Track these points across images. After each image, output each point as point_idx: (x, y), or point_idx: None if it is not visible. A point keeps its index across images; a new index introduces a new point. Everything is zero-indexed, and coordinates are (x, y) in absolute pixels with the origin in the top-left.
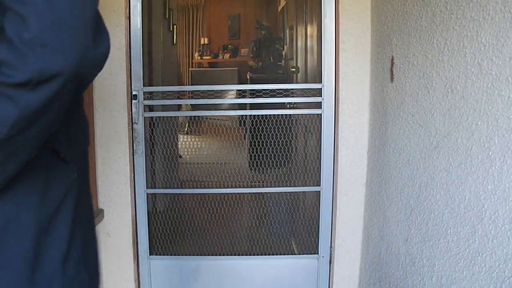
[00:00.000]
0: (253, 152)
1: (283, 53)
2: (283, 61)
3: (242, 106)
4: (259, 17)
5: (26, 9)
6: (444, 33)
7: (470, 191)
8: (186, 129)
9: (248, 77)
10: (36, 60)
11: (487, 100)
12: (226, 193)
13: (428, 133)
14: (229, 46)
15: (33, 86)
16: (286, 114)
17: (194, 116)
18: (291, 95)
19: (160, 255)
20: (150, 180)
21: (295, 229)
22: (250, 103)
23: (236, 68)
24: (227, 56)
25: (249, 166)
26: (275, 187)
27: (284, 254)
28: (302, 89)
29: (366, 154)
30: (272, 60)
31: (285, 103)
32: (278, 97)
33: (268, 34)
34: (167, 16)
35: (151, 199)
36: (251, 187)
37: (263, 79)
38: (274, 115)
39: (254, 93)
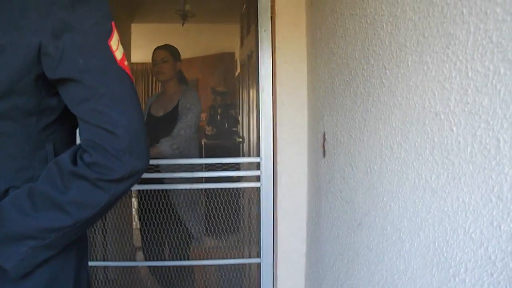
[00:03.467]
0: (208, 219)
1: (240, 118)
2: (239, 126)
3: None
4: (217, 82)
5: (117, 129)
6: (364, 114)
7: (386, 270)
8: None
9: (203, 143)
10: (128, 164)
11: (398, 182)
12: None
13: (353, 210)
14: None
15: (122, 180)
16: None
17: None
18: (237, 167)
19: None
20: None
21: None
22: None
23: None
24: None
25: (206, 232)
26: (215, 259)
27: None
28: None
29: (306, 225)
30: (227, 126)
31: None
32: (218, 170)
33: (224, 100)
34: None
35: (103, 270)
36: (203, 258)
37: (216, 146)
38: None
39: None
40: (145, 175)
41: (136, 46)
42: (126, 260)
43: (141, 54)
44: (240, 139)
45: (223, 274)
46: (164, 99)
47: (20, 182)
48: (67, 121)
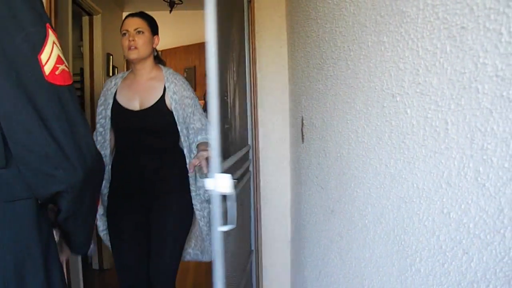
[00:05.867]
0: None
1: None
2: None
3: None
4: None
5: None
6: (334, 97)
7: (355, 258)
8: None
9: None
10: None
11: (362, 168)
12: None
13: (326, 197)
14: None
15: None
16: None
17: None
18: None
19: None
20: None
21: None
22: None
23: None
24: None
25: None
26: None
27: None
28: None
29: (290, 212)
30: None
31: None
32: None
33: None
34: (110, 74)
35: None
36: None
37: None
38: None
39: None
40: None
41: None
42: None
43: None
44: (228, 126)
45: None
46: (136, 86)
47: None
48: None
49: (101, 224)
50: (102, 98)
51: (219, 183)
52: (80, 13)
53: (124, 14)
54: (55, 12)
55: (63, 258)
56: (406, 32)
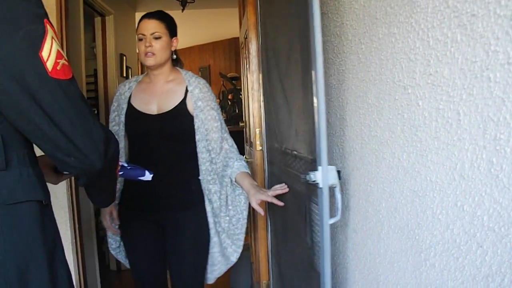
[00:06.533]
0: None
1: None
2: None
3: None
4: (228, 67)
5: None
6: (346, 92)
7: (369, 254)
8: None
9: None
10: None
11: (376, 162)
12: None
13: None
14: None
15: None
16: None
17: None
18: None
19: None
20: None
21: None
22: None
23: None
24: None
25: None
26: None
27: None
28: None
29: None
30: (237, 111)
31: None
32: None
33: (233, 85)
34: (124, 75)
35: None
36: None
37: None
38: None
39: None
40: None
41: None
42: None
43: None
44: (243, 124)
45: None
46: (153, 89)
47: None
48: None
49: (112, 241)
50: (115, 104)
51: (327, 175)
52: (92, 14)
53: (137, 14)
54: (66, 13)
55: None
56: (417, 22)
